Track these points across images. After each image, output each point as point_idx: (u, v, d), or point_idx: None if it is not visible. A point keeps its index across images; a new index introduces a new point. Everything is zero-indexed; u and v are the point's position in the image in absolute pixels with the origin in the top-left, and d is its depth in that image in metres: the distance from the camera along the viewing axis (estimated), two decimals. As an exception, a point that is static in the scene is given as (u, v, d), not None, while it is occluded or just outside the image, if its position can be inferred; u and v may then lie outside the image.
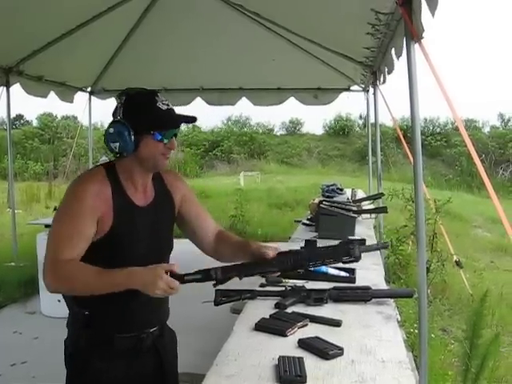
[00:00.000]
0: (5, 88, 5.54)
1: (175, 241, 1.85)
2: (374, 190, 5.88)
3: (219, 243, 1.88)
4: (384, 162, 7.87)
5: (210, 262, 1.79)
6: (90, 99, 7.12)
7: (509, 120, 21.70)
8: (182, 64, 5.99)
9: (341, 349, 1.73)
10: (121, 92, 1.69)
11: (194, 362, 2.19)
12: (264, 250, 1.70)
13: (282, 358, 1.64)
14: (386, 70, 4.34)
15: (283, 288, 2.30)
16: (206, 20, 5.00)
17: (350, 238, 3.19)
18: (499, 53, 35.42)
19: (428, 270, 4.87)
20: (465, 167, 16.98)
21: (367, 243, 3.38)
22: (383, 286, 2.64)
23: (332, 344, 1.76)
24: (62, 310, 1.71)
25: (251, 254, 1.71)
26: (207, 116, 20.28)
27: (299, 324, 1.94)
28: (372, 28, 3.56)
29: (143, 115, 1.63)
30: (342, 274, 2.63)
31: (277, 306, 2.16)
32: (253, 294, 2.22)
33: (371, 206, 5.11)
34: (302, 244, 2.49)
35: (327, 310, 2.13)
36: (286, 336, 1.86)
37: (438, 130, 20.68)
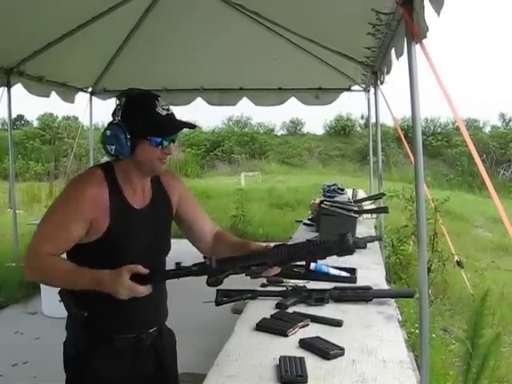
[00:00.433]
0: (6, 88, 5.54)
1: (175, 241, 1.85)
2: (374, 190, 5.87)
3: (217, 243, 1.88)
4: (385, 162, 7.86)
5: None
6: (90, 99, 7.11)
7: (510, 120, 21.69)
8: (182, 64, 5.99)
9: (342, 349, 1.73)
10: (121, 92, 1.68)
11: (195, 362, 2.20)
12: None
13: (282, 358, 1.64)
14: (387, 69, 4.33)
15: (284, 288, 2.30)
16: (206, 20, 5.00)
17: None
18: (500, 52, 35.41)
19: (429, 269, 4.87)
20: (466, 167, 16.96)
21: (368, 243, 3.41)
22: (384, 286, 2.64)
23: (333, 344, 1.76)
24: (62, 310, 1.71)
25: None
26: (208, 116, 20.33)
27: (300, 324, 1.94)
28: (373, 28, 3.55)
29: (141, 120, 1.62)
30: (343, 274, 2.63)
31: (278, 306, 2.17)
32: (254, 294, 2.22)
33: (372, 206, 5.11)
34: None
35: (328, 310, 2.14)
36: (287, 336, 1.87)
37: (439, 129, 20.68)
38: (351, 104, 20.05)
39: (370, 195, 5.62)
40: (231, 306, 2.57)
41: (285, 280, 2.48)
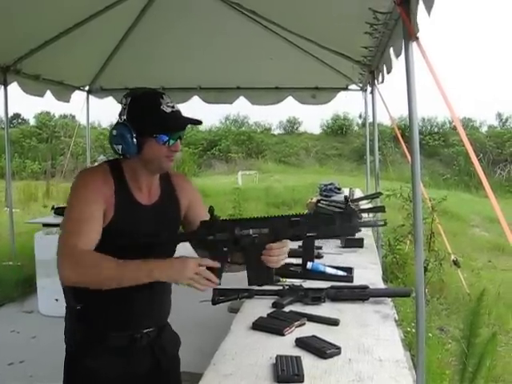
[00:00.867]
0: (2, 87, 5.53)
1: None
2: (371, 190, 5.88)
3: None
4: (382, 162, 7.84)
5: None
6: (87, 98, 7.10)
7: (507, 119, 21.76)
8: (179, 63, 5.98)
9: (338, 348, 1.73)
10: (127, 93, 1.69)
11: (191, 360, 2.19)
12: None
13: (279, 357, 1.64)
14: (384, 69, 4.33)
15: (281, 287, 2.30)
16: (203, 19, 4.99)
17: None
18: (497, 52, 35.52)
19: (425, 269, 4.88)
20: (462, 167, 16.99)
21: (365, 242, 3.42)
22: (381, 285, 2.64)
23: (329, 343, 1.76)
24: (59, 308, 1.72)
25: None
26: (205, 115, 20.12)
27: (297, 323, 1.93)
28: (370, 27, 3.55)
29: (147, 118, 1.63)
30: (340, 273, 2.63)
31: (274, 305, 2.16)
32: (250, 293, 2.22)
33: (369, 206, 5.11)
34: (300, 243, 2.50)
35: (325, 309, 2.14)
36: (283, 335, 1.86)
37: (436, 129, 20.71)
38: (348, 103, 20.14)
39: (366, 194, 5.62)
40: (228, 304, 2.56)
41: (281, 279, 2.48)
